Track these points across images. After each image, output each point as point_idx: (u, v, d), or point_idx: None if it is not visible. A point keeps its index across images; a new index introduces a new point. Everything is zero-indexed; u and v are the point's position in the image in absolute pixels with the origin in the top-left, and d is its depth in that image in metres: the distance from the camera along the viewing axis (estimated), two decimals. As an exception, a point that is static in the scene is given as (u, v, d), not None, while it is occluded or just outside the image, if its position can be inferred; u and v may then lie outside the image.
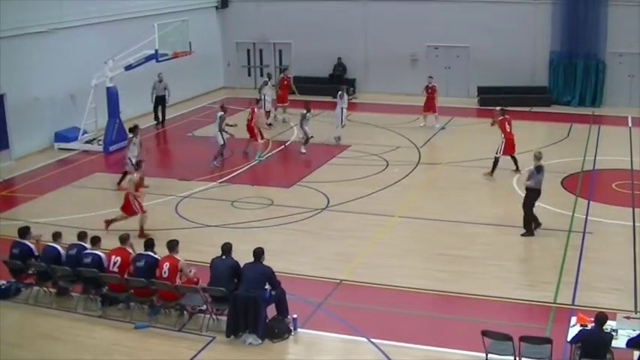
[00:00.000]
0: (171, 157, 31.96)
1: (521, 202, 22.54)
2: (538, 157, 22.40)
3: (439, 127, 35.45)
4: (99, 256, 18.00)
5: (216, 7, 45.65)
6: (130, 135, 27.46)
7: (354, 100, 40.44)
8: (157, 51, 32.48)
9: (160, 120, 36.76)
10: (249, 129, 30.37)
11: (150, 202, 24.92)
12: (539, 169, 22.10)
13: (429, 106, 35.78)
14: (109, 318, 17.68)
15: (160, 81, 36.02)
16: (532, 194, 22.13)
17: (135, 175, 23.38)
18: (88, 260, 17.93)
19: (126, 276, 17.72)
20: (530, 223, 22.16)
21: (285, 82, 37.49)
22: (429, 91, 35.68)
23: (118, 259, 17.77)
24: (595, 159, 30.32)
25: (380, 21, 42.85)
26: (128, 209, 22.87)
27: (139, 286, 17.45)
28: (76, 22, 33.52)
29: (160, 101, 36.61)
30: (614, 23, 39.42)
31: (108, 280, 17.79)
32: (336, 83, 41.53)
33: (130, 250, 18.13)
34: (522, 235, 22.12)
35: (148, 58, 32.76)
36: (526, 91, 41.12)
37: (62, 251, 18.59)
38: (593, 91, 40.76)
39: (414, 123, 35.94)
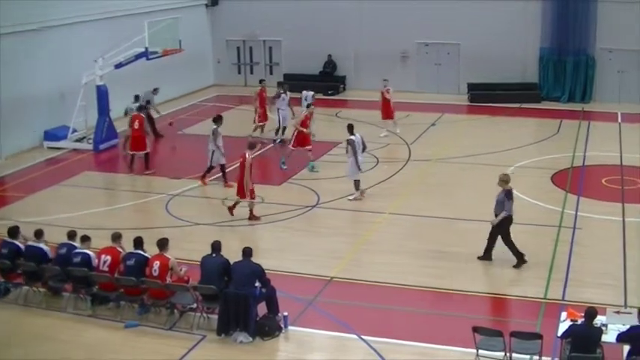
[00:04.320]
0: (162, 155, 31.84)
1: (490, 234, 20.39)
2: (506, 180, 20.09)
3: (386, 133, 33.58)
4: (88, 255, 17.95)
5: (207, 5, 45.56)
6: (215, 126, 27.02)
7: (343, 97, 40.39)
8: (147, 49, 32.39)
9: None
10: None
11: (140, 201, 24.98)
12: (509, 195, 19.97)
13: (385, 112, 33.89)
14: (100, 317, 17.64)
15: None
16: (507, 223, 20.06)
17: (248, 156, 23.33)
18: (77, 259, 17.89)
19: (116, 275, 17.69)
20: (521, 254, 20.15)
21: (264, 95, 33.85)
22: (383, 95, 33.92)
23: (108, 258, 17.72)
24: (585, 155, 30.38)
25: (370, 18, 42.82)
26: (241, 193, 23.55)
27: (129, 285, 17.42)
28: (66, 20, 33.44)
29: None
30: (603, 19, 39.52)
31: (98, 279, 17.74)
32: (327, 81, 41.64)
33: (120, 249, 18.08)
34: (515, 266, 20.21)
35: (138, 56, 32.67)
36: (516, 87, 41.26)
37: (46, 249, 18.54)
38: (583, 87, 40.84)
39: (405, 120, 35.90)
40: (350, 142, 25.26)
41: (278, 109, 32.61)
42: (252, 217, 23.73)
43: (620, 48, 39.79)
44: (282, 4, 43.74)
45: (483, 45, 41.03)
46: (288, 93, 32.85)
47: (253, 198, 23.66)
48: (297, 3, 43.47)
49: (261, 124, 33.30)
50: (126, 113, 32.17)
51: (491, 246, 20.32)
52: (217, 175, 27.39)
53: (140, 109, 30.87)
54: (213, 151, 26.70)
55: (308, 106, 30.34)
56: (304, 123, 28.58)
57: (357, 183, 25.45)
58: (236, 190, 23.79)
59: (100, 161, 31.21)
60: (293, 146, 28.65)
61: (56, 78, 32.83)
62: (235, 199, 23.88)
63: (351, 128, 25.79)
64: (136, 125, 28.91)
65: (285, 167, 28.67)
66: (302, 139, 28.53)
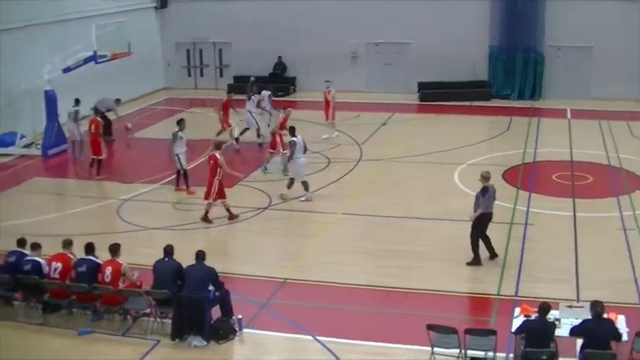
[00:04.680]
0: (112, 159, 31.59)
1: (470, 235, 20.25)
2: (485, 177, 20.12)
3: (327, 136, 33.31)
4: (39, 262, 17.72)
5: (156, 7, 45.31)
6: (176, 129, 26.33)
7: (293, 99, 40.39)
8: (95, 52, 32.15)
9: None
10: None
11: (91, 206, 24.80)
12: (484, 191, 19.94)
13: (327, 114, 33.70)
14: (52, 325, 17.42)
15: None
16: (484, 219, 20.09)
17: (220, 156, 23.45)
18: (27, 267, 17.65)
19: (67, 282, 17.51)
20: (492, 248, 20.29)
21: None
22: (325, 97, 33.79)
23: (59, 265, 17.52)
24: (535, 151, 30.69)
25: (320, 19, 42.89)
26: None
27: (81, 292, 17.25)
28: (13, 25, 33.01)
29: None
30: (551, 17, 40.06)
31: (49, 286, 17.53)
32: (277, 82, 41.62)
33: (71, 256, 17.89)
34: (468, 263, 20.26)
35: (87, 60, 32.42)
36: (466, 85, 41.55)
37: None
38: (533, 85, 41.33)
39: (355, 120, 36.01)
40: (292, 144, 25.32)
41: (249, 112, 32.36)
42: (206, 218, 23.73)
43: (569, 45, 40.39)
44: (232, 5, 43.69)
45: (433, 44, 41.31)
46: (256, 95, 32.87)
47: (223, 198, 23.73)
48: (247, 4, 43.47)
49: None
50: (69, 117, 31.89)
51: (476, 248, 20.18)
52: (168, 180, 27.28)
53: (96, 112, 30.62)
54: (177, 155, 26.23)
55: (284, 109, 30.14)
56: (282, 126, 28.48)
57: (305, 184, 25.52)
58: (204, 193, 23.84)
59: (50, 167, 30.92)
60: (272, 149, 28.55)
61: (3, 83, 32.41)
62: (206, 208, 23.80)
63: (292, 130, 25.89)
64: (93, 129, 28.75)
65: (267, 172, 28.66)
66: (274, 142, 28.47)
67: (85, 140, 30.50)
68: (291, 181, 25.60)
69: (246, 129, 32.52)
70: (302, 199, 25.38)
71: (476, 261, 20.08)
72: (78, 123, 31.63)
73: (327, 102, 33.53)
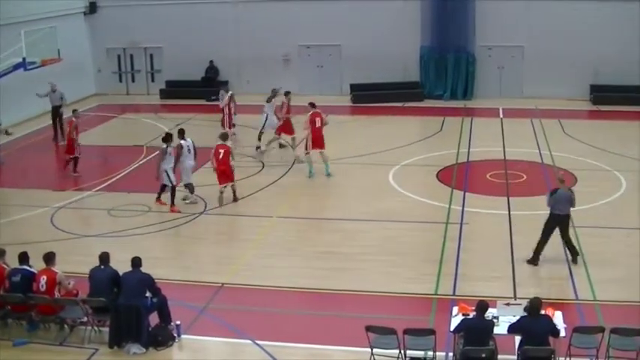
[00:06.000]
0: (44, 167, 31.19)
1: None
2: (560, 179, 20.40)
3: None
4: (-30, 273, 17.47)
5: (85, 13, 44.71)
6: (164, 145, 25.28)
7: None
8: (24, 59, 31.75)
9: (60, 133, 34.35)
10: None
11: (24, 215, 24.48)
12: (553, 192, 19.90)
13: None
14: (-14, 337, 17.21)
15: (54, 91, 34.53)
16: (551, 219, 19.99)
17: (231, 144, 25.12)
18: (-43, 278, 17.40)
19: (1, 292, 17.26)
20: (538, 252, 20.17)
21: None
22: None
23: (-8, 275, 17.30)
24: (469, 151, 30.99)
25: (251, 22, 42.83)
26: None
27: (15, 302, 17.00)
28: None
29: (56, 113, 34.70)
30: (482, 17, 40.48)
31: (-18, 297, 17.31)
32: (209, 86, 41.49)
33: (5, 265, 17.63)
34: (527, 261, 20.27)
35: (16, 67, 32.03)
36: (398, 86, 41.76)
37: None
38: (465, 85, 41.71)
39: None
40: (179, 147, 25.34)
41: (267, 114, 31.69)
42: (235, 198, 25.49)
43: (499, 44, 40.87)
44: (162, 10, 43.45)
45: (364, 45, 41.53)
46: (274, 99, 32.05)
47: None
48: (177, 9, 43.26)
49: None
50: None
51: (539, 247, 20.06)
52: (101, 187, 27.03)
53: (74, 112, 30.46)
54: (166, 171, 25.09)
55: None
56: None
57: (190, 187, 25.71)
58: (221, 177, 25.15)
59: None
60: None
61: None
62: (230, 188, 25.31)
63: (181, 133, 25.87)
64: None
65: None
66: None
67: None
68: (191, 189, 25.85)
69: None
70: (186, 201, 25.68)
71: (533, 260, 20.06)
72: None
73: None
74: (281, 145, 31.65)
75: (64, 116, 33.92)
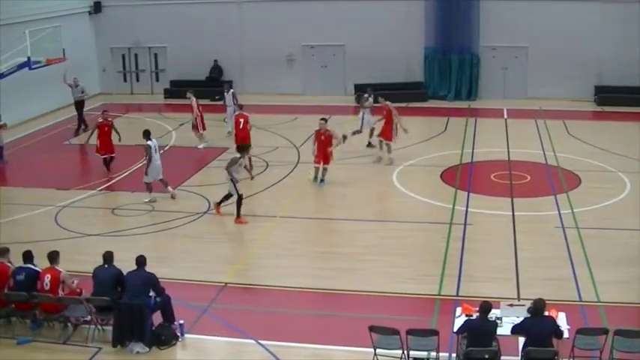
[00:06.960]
0: (48, 166, 31.20)
1: None
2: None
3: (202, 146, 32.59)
4: (-25, 271, 17.50)
5: (89, 12, 44.75)
6: (238, 156, 24.53)
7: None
8: (29, 58, 31.80)
9: (84, 126, 35.76)
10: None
11: (28, 213, 24.50)
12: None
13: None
14: (-10, 335, 17.24)
15: (77, 85, 35.35)
16: None
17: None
18: (-37, 276, 17.43)
19: (6, 290, 17.28)
20: None
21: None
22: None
23: (-4, 273, 17.33)
24: (473, 151, 30.99)
25: (255, 22, 42.88)
26: None
27: (20, 301, 17.03)
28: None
29: (80, 106, 35.90)
30: (486, 17, 40.51)
31: (-14, 295, 17.34)
32: (213, 85, 41.54)
33: (9, 264, 17.66)
34: None
35: (21, 66, 32.06)
36: (402, 87, 41.68)
37: None
38: (469, 85, 41.72)
39: (292, 123, 36.05)
40: (146, 148, 25.53)
41: (363, 113, 31.91)
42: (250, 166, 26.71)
43: (503, 45, 40.87)
44: (167, 9, 43.50)
45: (368, 45, 41.55)
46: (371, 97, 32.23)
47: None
48: (182, 8, 43.30)
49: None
50: None
51: None
52: (105, 186, 27.04)
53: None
54: (232, 180, 24.17)
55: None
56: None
57: (149, 185, 25.91)
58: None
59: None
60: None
61: None
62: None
63: (147, 134, 25.98)
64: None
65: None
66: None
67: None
68: (165, 184, 26.05)
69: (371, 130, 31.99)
70: (145, 200, 25.88)
71: None
72: None
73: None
74: (370, 145, 31.79)
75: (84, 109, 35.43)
